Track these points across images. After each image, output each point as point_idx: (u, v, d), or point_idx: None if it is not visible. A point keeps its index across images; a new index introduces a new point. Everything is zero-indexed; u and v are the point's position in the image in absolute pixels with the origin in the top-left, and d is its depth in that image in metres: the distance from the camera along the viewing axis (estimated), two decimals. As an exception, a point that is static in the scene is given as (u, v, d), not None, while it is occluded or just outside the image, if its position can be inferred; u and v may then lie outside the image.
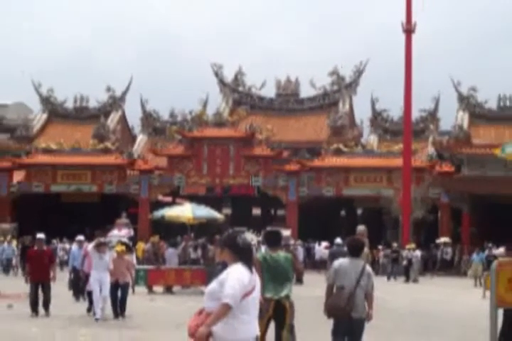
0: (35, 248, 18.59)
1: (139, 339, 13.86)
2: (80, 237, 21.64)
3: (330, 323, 10.83)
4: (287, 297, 10.89)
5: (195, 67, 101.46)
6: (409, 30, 40.92)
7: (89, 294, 17.22)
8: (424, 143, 45.97)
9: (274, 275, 10.84)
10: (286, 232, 35.48)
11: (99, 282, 16.38)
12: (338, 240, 29.32)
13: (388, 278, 34.02)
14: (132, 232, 28.76)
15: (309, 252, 39.94)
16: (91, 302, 17.06)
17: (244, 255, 6.75)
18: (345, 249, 13.10)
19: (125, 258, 17.47)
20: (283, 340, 10.72)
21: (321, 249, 39.51)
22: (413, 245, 36.21)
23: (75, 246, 22.26)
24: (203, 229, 30.59)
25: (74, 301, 20.46)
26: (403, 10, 41.22)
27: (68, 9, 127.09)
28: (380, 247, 38.14)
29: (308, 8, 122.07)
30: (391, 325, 15.63)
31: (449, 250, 39.16)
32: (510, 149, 9.04)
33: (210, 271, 24.93)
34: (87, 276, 18.11)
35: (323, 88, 53.99)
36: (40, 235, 18.04)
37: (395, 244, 37.73)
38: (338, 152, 44.82)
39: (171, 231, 34.21)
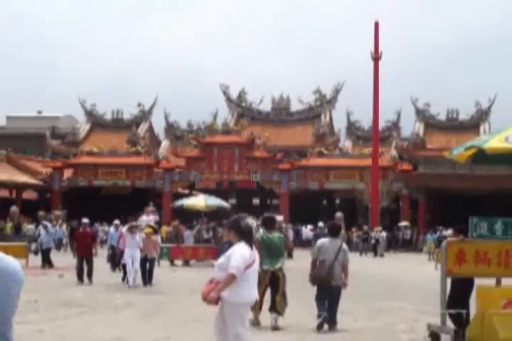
0: (81, 230, 18.73)
1: (162, 302, 13.82)
2: (116, 221, 21.63)
3: (314, 290, 10.85)
4: (280, 269, 11.01)
5: (208, 87, 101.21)
6: (376, 58, 40.95)
7: (124, 266, 17.38)
8: (388, 147, 45.89)
9: (270, 252, 10.89)
10: (279, 217, 35.32)
11: (132, 257, 16.56)
12: (321, 224, 29.36)
13: (360, 254, 34.01)
14: (158, 218, 28.76)
15: (298, 233, 39.88)
16: (125, 273, 17.20)
17: (246, 235, 6.84)
18: (326, 230, 13.12)
19: (152, 238, 17.50)
20: (277, 303, 10.78)
21: (307, 230, 39.52)
22: (380, 228, 36.23)
23: (112, 229, 22.23)
24: (213, 215, 30.53)
25: (111, 272, 20.44)
26: (372, 42, 41.28)
27: (108, 39, 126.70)
28: (353, 229, 38.08)
29: (297, 40, 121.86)
30: (363, 290, 15.60)
31: (409, 231, 39.13)
32: (457, 152, 9.09)
33: (219, 248, 24.87)
34: (121, 252, 18.11)
35: (309, 104, 53.86)
36: (85, 220, 18.24)
37: (365, 227, 37.75)
38: (320, 154, 44.82)
39: (188, 216, 34.10)
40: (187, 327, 10.65)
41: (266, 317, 10.73)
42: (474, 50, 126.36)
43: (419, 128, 49.62)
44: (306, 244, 38.33)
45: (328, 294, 10.68)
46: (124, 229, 18.11)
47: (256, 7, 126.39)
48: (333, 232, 11.37)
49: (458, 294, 9.63)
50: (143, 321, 11.32)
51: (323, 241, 11.18)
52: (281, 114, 53.55)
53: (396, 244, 38.94)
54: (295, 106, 54.08)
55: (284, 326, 10.62)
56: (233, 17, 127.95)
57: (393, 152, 45.20)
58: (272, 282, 10.84)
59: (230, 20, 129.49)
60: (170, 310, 12.82)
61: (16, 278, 3.52)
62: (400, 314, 12.31)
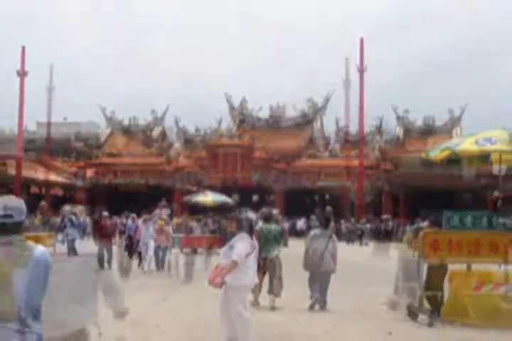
0: (102, 222, 18.72)
1: (173, 285, 13.84)
2: (133, 215, 21.55)
3: (307, 274, 10.87)
4: (277, 256, 11.16)
5: (213, 96, 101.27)
6: (361, 70, 40.84)
7: (139, 254, 17.57)
8: (372, 149, 45.83)
9: (268, 241, 11.02)
10: (275, 211, 35.43)
11: (146, 246, 16.85)
12: (313, 217, 29.38)
13: (347, 243, 33.96)
14: (169, 211, 28.69)
15: (293, 225, 39.83)
16: (140, 259, 17.43)
17: (247, 227, 6.88)
18: (318, 223, 13.22)
19: (164, 229, 17.54)
20: (274, 287, 10.90)
21: (301, 223, 39.51)
22: (364, 220, 36.17)
23: (129, 221, 22.11)
24: (218, 209, 30.47)
25: (128, 259, 20.40)
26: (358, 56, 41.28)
27: (125, 53, 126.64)
28: (342, 221, 38.07)
29: (292, 56, 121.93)
30: (350, 276, 15.57)
31: (390, 223, 38.85)
32: (433, 153, 9.08)
33: (224, 238, 24.95)
34: (137, 241, 18.17)
35: (302, 111, 53.76)
36: (105, 213, 18.38)
37: (352, 219, 37.69)
38: (312, 156, 44.83)
39: (196, 210, 34.07)
40: (197, 306, 10.65)
41: (265, 298, 10.80)
42: (448, 63, 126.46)
43: (399, 132, 49.56)
44: (300, 234, 38.38)
45: (319, 278, 10.82)
46: (139, 221, 18.20)
47: (255, 29, 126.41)
48: (324, 224, 11.58)
49: (433, 278, 9.63)
50: (157, 301, 11.31)
51: (314, 231, 11.30)
52: (277, 120, 53.44)
53: (379, 234, 38.81)
54: (290, 113, 54.02)
55: (280, 306, 10.71)
56: (236, 37, 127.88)
57: (376, 153, 45.14)
58: (270, 268, 11.05)
59: (233, 39, 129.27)
60: (182, 290, 12.81)
61: (46, 264, 3.57)
62: (383, 296, 12.26)
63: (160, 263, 17.06)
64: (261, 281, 10.41)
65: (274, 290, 10.89)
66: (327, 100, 53.19)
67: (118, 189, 44.52)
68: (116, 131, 53.26)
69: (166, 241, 17.47)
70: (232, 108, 54.23)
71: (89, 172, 46.26)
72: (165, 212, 24.61)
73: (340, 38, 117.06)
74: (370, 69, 40.89)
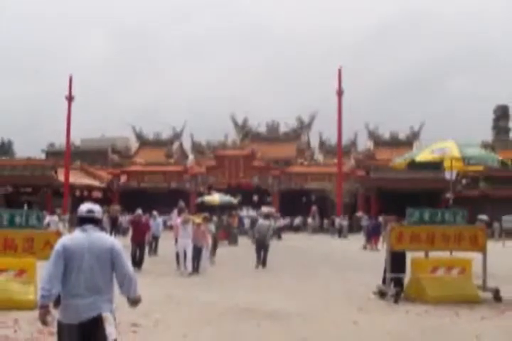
0: (136, 219, 14.98)
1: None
2: (155, 213, 20.30)
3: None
4: (268, 243, 14.52)
5: (220, 116, 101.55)
6: (339, 93, 40.42)
7: (177, 255, 13.43)
8: (349, 159, 45.67)
9: (260, 233, 14.44)
10: (271, 209, 35.41)
11: (184, 246, 13.00)
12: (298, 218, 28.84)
13: (331, 236, 33.62)
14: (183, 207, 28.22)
15: (291, 222, 39.42)
16: (178, 261, 13.39)
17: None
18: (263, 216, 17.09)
19: (201, 227, 13.52)
20: (264, 260, 14.24)
21: (297, 220, 39.53)
22: (342, 216, 35.80)
23: (152, 219, 21.17)
24: (225, 208, 30.29)
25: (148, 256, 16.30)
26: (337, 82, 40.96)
27: (147, 78, 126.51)
28: (324, 218, 38.03)
29: (285, 80, 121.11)
30: (333, 263, 15.49)
31: (364, 219, 38.77)
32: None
33: (229, 232, 24.90)
34: (154, 237, 16.80)
35: (293, 127, 53.63)
36: (139, 211, 15.09)
37: (332, 216, 37.43)
38: (301, 164, 44.77)
39: (206, 209, 33.90)
40: (210, 288, 10.50)
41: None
42: (409, 85, 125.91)
43: (370, 144, 49.48)
44: (297, 229, 38.34)
45: (262, 247, 14.34)
46: (178, 220, 14.00)
47: (254, 55, 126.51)
48: (266, 216, 16.52)
49: (397, 263, 9.51)
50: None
51: (260, 221, 15.20)
52: (273, 135, 53.35)
53: (355, 228, 38.64)
54: (283, 129, 53.96)
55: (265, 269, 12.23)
56: (236, 63, 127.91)
57: (352, 162, 45.01)
58: (263, 248, 14.40)
59: (233, 66, 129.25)
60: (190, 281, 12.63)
61: (120, 248, 3.75)
62: (358, 279, 12.14)
63: (195, 265, 13.09)
64: (259, 255, 14.26)
65: (265, 262, 14.26)
66: (312, 118, 53.15)
67: (145, 192, 44.36)
68: (143, 145, 53.16)
69: (203, 241, 13.51)
70: (236, 124, 54.24)
71: (122, 178, 46.15)
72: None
73: (324, 64, 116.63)
74: (347, 92, 40.68)
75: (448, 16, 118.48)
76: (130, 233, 15.54)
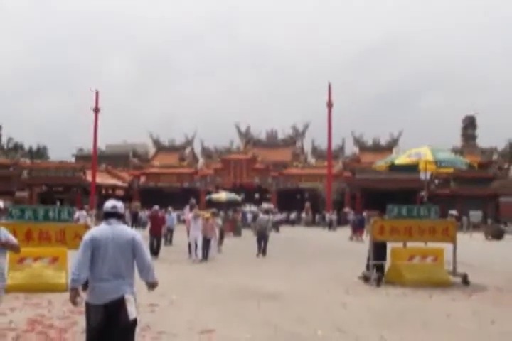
0: (154, 214, 14.99)
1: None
2: (169, 208, 20.48)
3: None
4: (268, 234, 14.09)
5: (226, 125, 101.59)
6: (329, 105, 40.38)
7: (189, 246, 13.45)
8: (337, 162, 45.60)
9: (261, 226, 14.12)
10: (270, 205, 35.39)
11: (195, 237, 13.03)
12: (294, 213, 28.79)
13: (322, 229, 33.57)
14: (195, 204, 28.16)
15: (288, 216, 39.27)
16: (189, 250, 13.40)
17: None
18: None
19: (210, 221, 13.33)
20: (264, 250, 13.92)
21: (293, 215, 39.23)
22: (331, 212, 35.74)
23: (167, 214, 21.26)
24: (231, 204, 30.29)
25: (164, 246, 16.42)
26: (327, 95, 40.88)
27: (164, 92, 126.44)
28: (316, 213, 37.90)
29: (282, 92, 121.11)
30: (324, 252, 15.45)
31: (350, 214, 38.67)
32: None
33: (234, 225, 24.84)
34: (169, 230, 16.74)
35: (289, 134, 53.53)
36: (156, 206, 15.30)
37: (323, 212, 37.37)
38: (296, 166, 44.69)
39: (214, 205, 33.84)
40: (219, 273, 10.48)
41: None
42: (390, 98, 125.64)
43: (356, 149, 49.37)
44: (293, 223, 38.10)
45: (262, 238, 14.08)
46: (190, 215, 14.04)
47: (254, 73, 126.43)
48: (266, 212, 16.28)
49: (379, 252, 9.50)
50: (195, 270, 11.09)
51: (261, 216, 15.06)
52: (272, 141, 53.27)
53: (343, 222, 38.54)
54: (280, 136, 53.85)
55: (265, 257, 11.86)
56: (240, 80, 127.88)
57: (340, 165, 44.97)
58: (263, 239, 14.13)
59: (236, 82, 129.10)
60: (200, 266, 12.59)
61: (133, 242, 3.70)
62: (345, 266, 12.12)
63: (205, 254, 12.98)
64: (260, 246, 14.07)
65: (265, 251, 13.95)
66: (306, 127, 53.09)
67: (162, 191, 44.34)
68: (160, 150, 53.12)
69: (212, 233, 13.36)
70: (239, 132, 54.19)
71: (142, 179, 46.14)
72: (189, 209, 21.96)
73: (316, 80, 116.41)
74: (336, 104, 40.63)
75: (423, 40, 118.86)
76: (148, 226, 15.62)
